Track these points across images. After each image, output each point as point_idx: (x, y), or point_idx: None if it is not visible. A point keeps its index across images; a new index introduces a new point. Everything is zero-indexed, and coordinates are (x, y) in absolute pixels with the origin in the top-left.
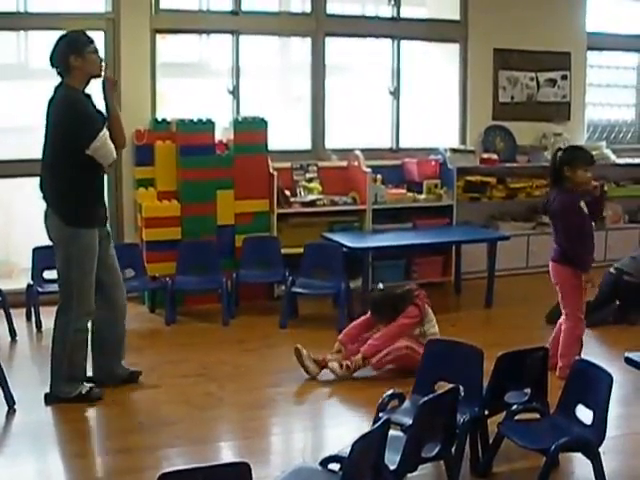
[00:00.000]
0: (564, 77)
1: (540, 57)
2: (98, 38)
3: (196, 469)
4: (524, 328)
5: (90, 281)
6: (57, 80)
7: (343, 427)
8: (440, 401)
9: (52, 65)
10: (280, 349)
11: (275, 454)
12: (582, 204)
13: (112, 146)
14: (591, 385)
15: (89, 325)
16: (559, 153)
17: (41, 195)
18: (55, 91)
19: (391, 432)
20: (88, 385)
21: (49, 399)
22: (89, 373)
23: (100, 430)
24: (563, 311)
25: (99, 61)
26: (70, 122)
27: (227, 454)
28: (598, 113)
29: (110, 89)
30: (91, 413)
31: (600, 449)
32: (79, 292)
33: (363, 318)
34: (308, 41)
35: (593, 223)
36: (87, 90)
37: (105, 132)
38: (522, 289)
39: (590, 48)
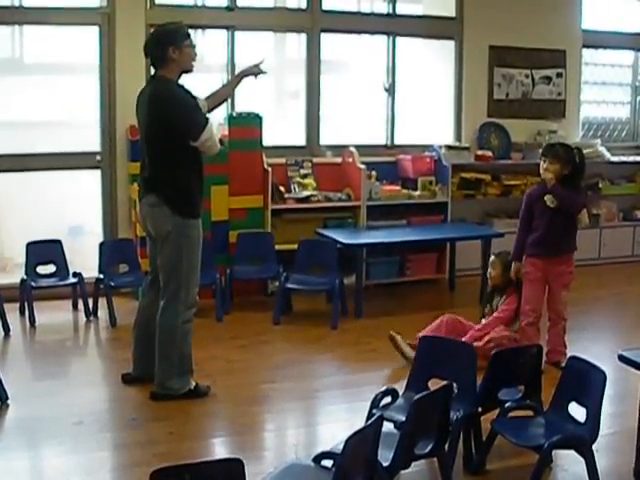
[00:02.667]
0: (559, 75)
1: (535, 54)
2: (93, 33)
3: (189, 465)
4: None
5: (198, 272)
6: (51, 76)
7: (336, 423)
8: (433, 398)
9: (146, 55)
10: (274, 345)
11: (268, 450)
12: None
13: (216, 137)
14: (584, 383)
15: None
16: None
17: (144, 187)
18: (151, 82)
19: (384, 429)
20: (193, 381)
21: (158, 397)
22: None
23: (93, 426)
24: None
25: (194, 56)
26: (179, 116)
27: (220, 450)
28: (593, 111)
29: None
30: (84, 409)
31: (593, 446)
32: (187, 283)
33: (444, 321)
34: (304, 37)
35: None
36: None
37: (211, 123)
38: None
39: (585, 46)
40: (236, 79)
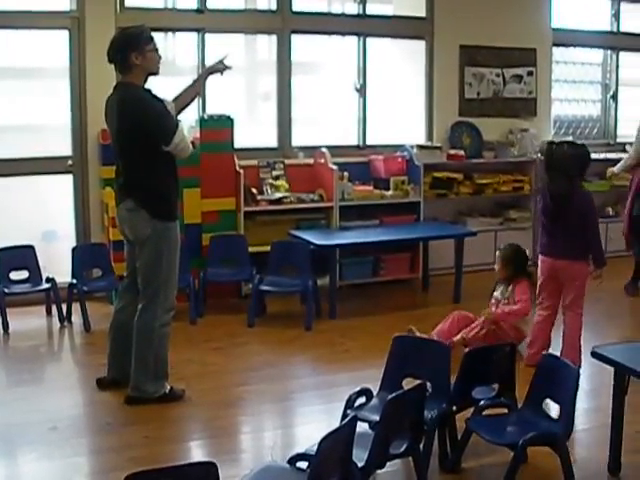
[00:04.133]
0: (530, 73)
1: (506, 53)
2: (62, 37)
3: (163, 469)
4: None
5: (176, 275)
6: (21, 80)
7: (312, 425)
8: (407, 397)
9: (110, 61)
10: (248, 347)
11: (244, 453)
12: None
13: (188, 139)
14: (558, 379)
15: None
16: (568, 149)
17: (121, 192)
18: (118, 89)
19: (359, 429)
20: (168, 384)
21: (132, 401)
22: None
23: (68, 431)
24: (571, 306)
25: (159, 59)
26: (149, 123)
27: (196, 453)
28: (564, 109)
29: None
30: (59, 414)
31: (569, 442)
32: (166, 287)
33: (455, 317)
34: (274, 39)
35: None
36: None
37: (182, 126)
38: (490, 284)
39: (555, 44)
40: (202, 77)
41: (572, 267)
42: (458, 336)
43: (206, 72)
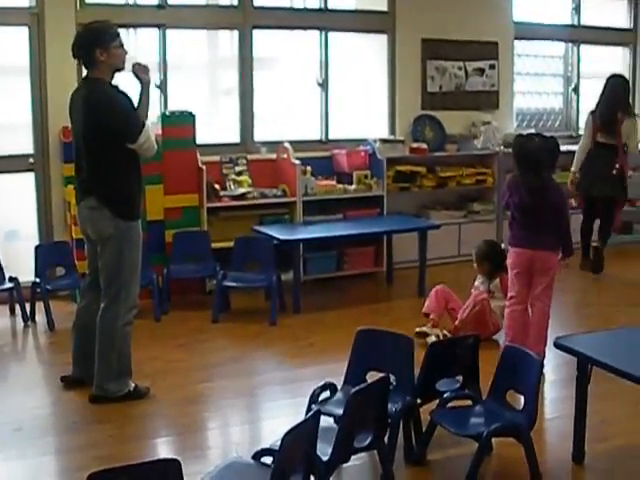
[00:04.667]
0: (492, 66)
1: (468, 47)
2: (22, 33)
3: (125, 467)
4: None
5: (138, 274)
6: None
7: (277, 420)
8: (371, 391)
9: (74, 56)
10: (213, 343)
11: (209, 449)
12: None
13: (154, 139)
14: (521, 370)
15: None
16: (539, 142)
17: (82, 190)
18: (84, 85)
19: (324, 423)
20: (132, 382)
21: (96, 400)
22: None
23: (33, 431)
24: (540, 297)
25: (124, 55)
26: (115, 119)
27: (161, 451)
28: (526, 101)
29: (144, 75)
30: (24, 414)
31: (533, 432)
32: (128, 286)
33: (438, 290)
34: (236, 34)
35: None
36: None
37: (148, 125)
38: (454, 277)
39: (517, 37)
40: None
41: (549, 257)
42: (457, 322)
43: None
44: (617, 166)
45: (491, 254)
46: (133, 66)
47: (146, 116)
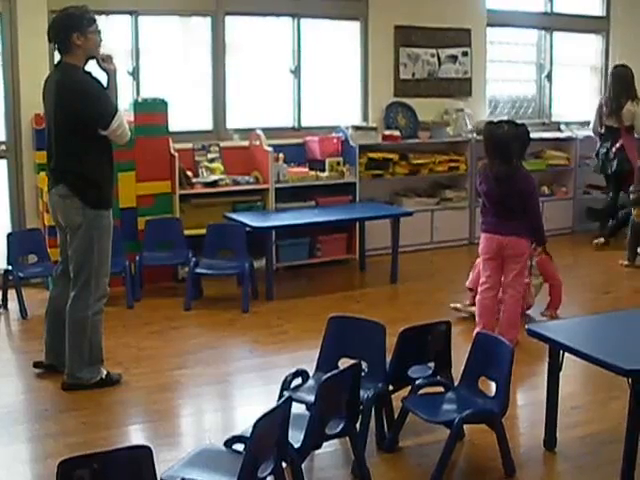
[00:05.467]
0: (465, 53)
1: (440, 34)
2: None
3: (96, 455)
4: (428, 303)
5: (108, 263)
6: None
7: (250, 407)
8: (342, 377)
9: (50, 40)
10: (185, 330)
11: (181, 436)
12: None
13: (127, 125)
14: (492, 357)
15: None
16: (508, 129)
17: (53, 177)
18: (57, 70)
19: (296, 410)
20: (104, 369)
21: (69, 388)
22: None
23: (5, 419)
24: (512, 283)
25: (99, 42)
26: (88, 104)
27: (133, 438)
28: (500, 89)
29: (108, 64)
30: None
31: (506, 419)
32: (98, 274)
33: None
34: (208, 20)
35: None
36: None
37: (121, 111)
38: (427, 264)
39: (490, 24)
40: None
41: (518, 243)
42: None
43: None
44: (617, 145)
45: None
46: (96, 57)
47: (116, 104)
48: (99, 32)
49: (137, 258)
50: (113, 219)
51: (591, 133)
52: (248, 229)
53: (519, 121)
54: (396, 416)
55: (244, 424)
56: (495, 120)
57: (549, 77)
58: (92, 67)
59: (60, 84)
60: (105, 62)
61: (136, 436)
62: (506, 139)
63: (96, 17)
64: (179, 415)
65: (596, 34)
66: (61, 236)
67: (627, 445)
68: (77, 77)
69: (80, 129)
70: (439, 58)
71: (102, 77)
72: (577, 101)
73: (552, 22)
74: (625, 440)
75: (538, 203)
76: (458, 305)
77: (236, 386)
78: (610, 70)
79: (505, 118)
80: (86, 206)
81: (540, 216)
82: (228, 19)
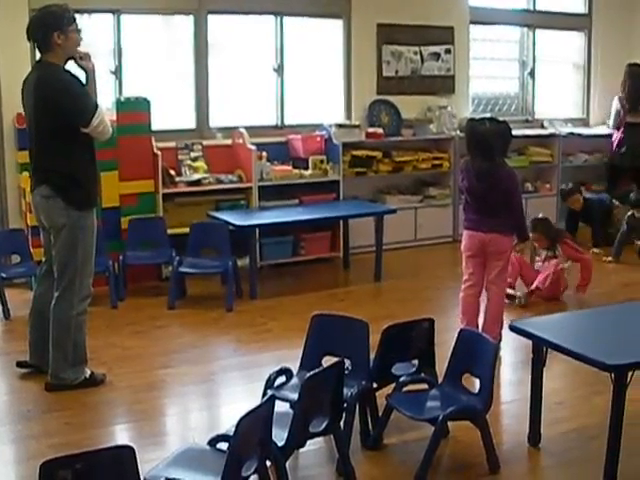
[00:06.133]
0: (448, 51)
1: (423, 31)
2: None
3: (78, 455)
4: (413, 300)
5: (92, 263)
6: None
7: (235, 405)
8: (326, 375)
9: (29, 39)
10: (169, 330)
11: (166, 436)
12: None
13: (108, 122)
14: (476, 354)
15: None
16: (490, 126)
17: (36, 177)
18: (37, 68)
19: (280, 409)
20: (88, 370)
21: (52, 388)
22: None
23: None
24: (495, 280)
25: (80, 41)
26: (68, 102)
27: (117, 438)
28: (483, 86)
29: (87, 62)
30: None
31: (491, 415)
32: (82, 275)
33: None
34: (191, 19)
35: None
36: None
37: (101, 108)
38: (411, 262)
39: (473, 22)
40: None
41: (501, 240)
42: (533, 286)
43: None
44: None
45: (546, 230)
46: (74, 56)
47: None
48: (79, 31)
49: (120, 258)
50: (96, 219)
51: (610, 129)
52: (231, 228)
53: (502, 118)
54: (380, 414)
55: (228, 423)
56: (477, 117)
57: (532, 74)
58: (70, 65)
59: (40, 83)
60: (83, 60)
61: (120, 436)
62: (488, 136)
63: (76, 15)
64: (163, 414)
65: (578, 31)
66: (44, 236)
67: (610, 440)
68: (57, 75)
69: (61, 128)
70: (422, 56)
71: (80, 75)
72: (560, 98)
73: (535, 19)
74: (608, 435)
75: (520, 199)
76: (509, 291)
77: (220, 385)
78: (625, 69)
79: (488, 115)
80: (69, 206)
81: (522, 212)
82: (210, 18)
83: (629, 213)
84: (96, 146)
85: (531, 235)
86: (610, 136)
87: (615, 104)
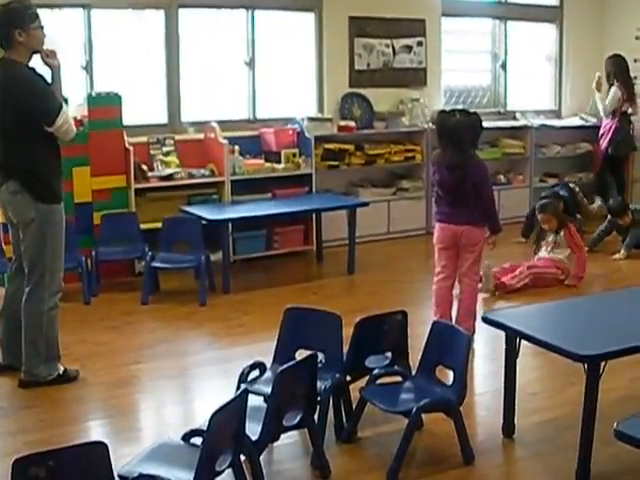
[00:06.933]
0: (420, 43)
1: (395, 24)
2: None
3: (51, 451)
4: (386, 293)
5: (62, 257)
6: None
7: (208, 400)
8: (299, 369)
9: None
10: (142, 325)
11: (141, 431)
12: None
13: (72, 121)
14: (449, 346)
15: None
16: (460, 118)
17: (3, 173)
18: (0, 67)
19: (254, 403)
20: (62, 366)
21: (26, 385)
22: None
23: None
24: (467, 272)
25: (43, 37)
26: (32, 101)
27: (91, 434)
28: (455, 78)
29: (52, 60)
30: None
31: (465, 406)
32: (52, 270)
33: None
34: (162, 13)
35: None
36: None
37: (66, 108)
38: (384, 255)
39: (444, 14)
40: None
41: (473, 232)
42: (504, 279)
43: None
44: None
45: (555, 211)
46: (40, 52)
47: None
48: (42, 28)
49: (93, 253)
50: (68, 214)
51: (602, 117)
52: (204, 222)
53: (473, 110)
54: (354, 407)
55: (202, 417)
56: (447, 109)
57: (504, 66)
58: (36, 62)
59: (4, 81)
60: (49, 58)
61: (95, 432)
62: (458, 128)
63: (44, 11)
64: (137, 410)
65: (550, 23)
66: (13, 232)
67: (584, 430)
68: (21, 73)
69: (26, 125)
70: (394, 48)
71: (46, 72)
72: (532, 90)
73: (506, 11)
74: (582, 425)
75: (492, 191)
76: None
77: (194, 379)
78: (608, 61)
79: (459, 107)
80: (37, 201)
81: (494, 204)
82: (182, 12)
83: (610, 218)
84: (66, 142)
85: (540, 217)
86: (595, 127)
87: (615, 93)
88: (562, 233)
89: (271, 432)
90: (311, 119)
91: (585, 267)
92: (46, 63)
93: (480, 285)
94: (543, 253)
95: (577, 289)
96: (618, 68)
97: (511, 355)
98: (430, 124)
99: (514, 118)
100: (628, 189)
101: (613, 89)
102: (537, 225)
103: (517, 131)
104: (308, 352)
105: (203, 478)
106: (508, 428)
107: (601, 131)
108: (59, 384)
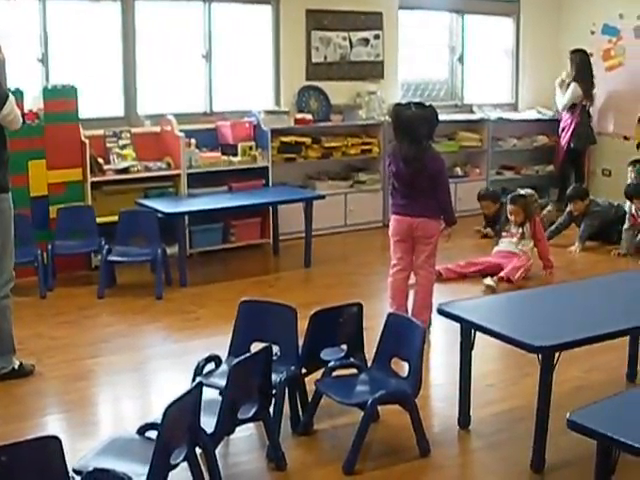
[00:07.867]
0: (377, 36)
1: (352, 17)
2: None
3: (3, 447)
4: (342, 286)
5: (12, 246)
6: None
7: (165, 393)
8: (253, 361)
9: None
10: (99, 319)
11: (97, 425)
12: None
13: (19, 111)
14: (405, 338)
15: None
16: (416, 111)
17: None
18: None
19: (210, 396)
20: (17, 360)
21: None
22: None
23: None
24: (423, 265)
25: None
26: None
27: (49, 429)
28: (412, 71)
29: None
30: None
31: (421, 399)
32: (2, 259)
33: None
34: (118, 5)
35: None
36: None
37: (12, 98)
38: (341, 247)
39: (402, 7)
40: None
41: (428, 224)
42: (503, 274)
43: None
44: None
45: (525, 205)
46: None
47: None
48: None
49: (49, 247)
50: (24, 208)
51: (558, 111)
52: (160, 215)
53: (430, 103)
54: (310, 399)
55: (159, 411)
56: (403, 102)
57: (461, 60)
58: None
59: None
60: None
61: (51, 426)
62: (414, 120)
63: None
64: (94, 404)
65: (507, 17)
66: None
67: (538, 420)
68: None
69: None
70: (351, 41)
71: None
72: (489, 83)
73: (463, 5)
74: (536, 416)
75: (447, 183)
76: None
77: (150, 373)
78: (571, 56)
79: (416, 100)
80: None
81: (449, 196)
82: (138, 3)
83: (567, 209)
84: (22, 133)
85: (509, 207)
86: (552, 120)
87: (575, 89)
88: (527, 226)
89: (226, 425)
90: (268, 112)
91: (549, 256)
92: None
93: None
94: (504, 245)
95: (540, 280)
96: (582, 64)
97: (466, 347)
98: (387, 117)
99: (471, 111)
100: (585, 181)
101: (573, 85)
102: (503, 215)
103: (474, 124)
104: (263, 345)
105: (158, 471)
106: (464, 419)
107: (562, 125)
108: (14, 378)
